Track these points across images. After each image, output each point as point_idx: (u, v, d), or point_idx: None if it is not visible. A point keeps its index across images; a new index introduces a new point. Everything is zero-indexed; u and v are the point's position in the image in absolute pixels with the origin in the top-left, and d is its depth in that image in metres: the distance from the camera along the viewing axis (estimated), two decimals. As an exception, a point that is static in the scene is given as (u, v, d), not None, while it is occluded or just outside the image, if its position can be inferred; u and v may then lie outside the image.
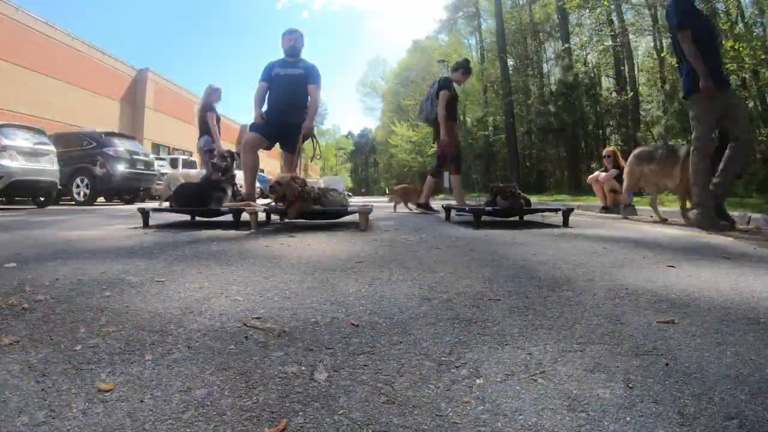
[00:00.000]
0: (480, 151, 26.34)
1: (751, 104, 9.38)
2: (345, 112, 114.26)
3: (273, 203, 3.50)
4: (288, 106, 4.23)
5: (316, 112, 4.42)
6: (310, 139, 4.36)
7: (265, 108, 4.34)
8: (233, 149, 4.77)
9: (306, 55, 4.52)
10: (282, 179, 3.37)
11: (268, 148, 4.40)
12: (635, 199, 6.51)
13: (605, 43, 15.89)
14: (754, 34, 9.04)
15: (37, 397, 0.71)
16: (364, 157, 67.25)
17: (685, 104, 4.75)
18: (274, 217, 3.93)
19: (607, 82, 17.54)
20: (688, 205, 4.04)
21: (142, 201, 10.76)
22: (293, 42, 4.32)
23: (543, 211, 4.36)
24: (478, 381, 0.79)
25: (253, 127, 4.30)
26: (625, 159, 5.19)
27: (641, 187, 4.86)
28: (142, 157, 10.07)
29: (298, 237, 2.77)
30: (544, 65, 21.71)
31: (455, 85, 5.81)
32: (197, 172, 7.56)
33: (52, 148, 7.88)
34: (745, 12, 10.06)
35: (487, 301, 1.30)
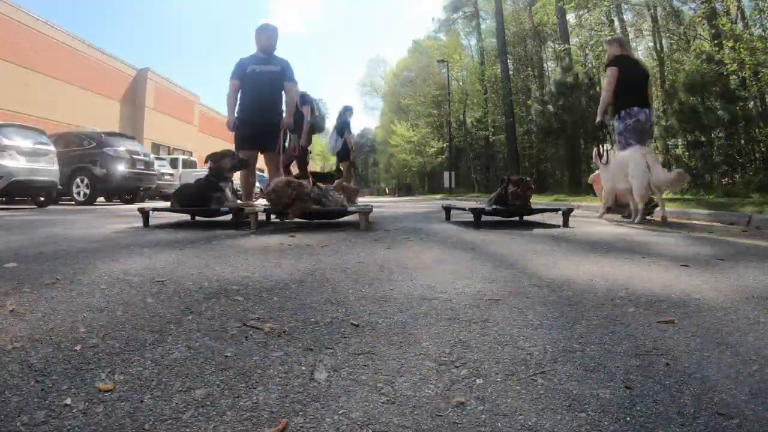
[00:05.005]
0: (480, 151, 26.38)
1: (751, 104, 9.36)
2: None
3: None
4: (267, 104, 4.16)
5: (294, 110, 4.43)
6: (288, 135, 4.37)
7: (238, 108, 4.27)
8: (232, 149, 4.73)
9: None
10: (276, 185, 3.35)
11: (259, 152, 4.38)
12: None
13: (605, 44, 15.87)
14: (754, 34, 9.04)
15: (37, 397, 0.71)
16: (364, 157, 67.18)
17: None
18: (274, 218, 3.93)
19: (607, 83, 17.52)
20: None
21: (142, 201, 10.76)
22: (271, 39, 4.24)
23: (543, 211, 4.35)
24: (478, 381, 0.79)
25: (241, 144, 4.21)
26: None
27: None
28: (142, 157, 10.07)
29: (297, 237, 2.77)
30: (545, 65, 21.71)
31: None
32: None
33: (52, 148, 7.87)
34: (745, 12, 10.06)
35: (487, 301, 1.30)
